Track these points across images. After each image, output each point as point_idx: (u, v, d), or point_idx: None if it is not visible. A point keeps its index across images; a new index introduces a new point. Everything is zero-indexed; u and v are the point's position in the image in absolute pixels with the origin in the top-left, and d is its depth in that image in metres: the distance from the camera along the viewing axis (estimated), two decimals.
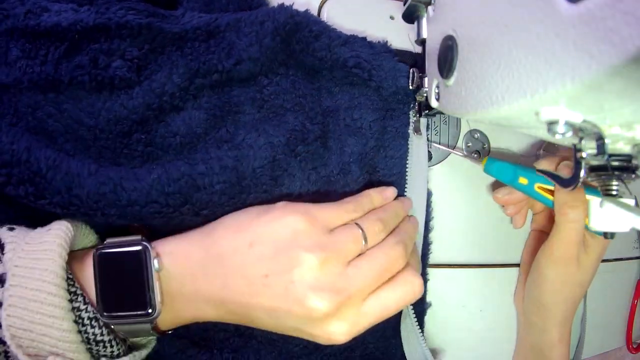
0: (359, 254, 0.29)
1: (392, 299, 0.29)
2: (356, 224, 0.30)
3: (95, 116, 0.28)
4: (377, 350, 0.37)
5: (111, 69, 0.28)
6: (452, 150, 0.40)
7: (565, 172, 0.34)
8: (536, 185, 0.35)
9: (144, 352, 0.29)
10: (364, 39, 0.35)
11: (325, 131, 0.34)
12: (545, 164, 0.36)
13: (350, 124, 0.35)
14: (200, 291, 0.28)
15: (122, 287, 0.26)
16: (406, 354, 0.38)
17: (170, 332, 0.30)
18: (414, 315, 0.37)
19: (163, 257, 0.28)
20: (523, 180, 0.36)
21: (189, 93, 0.30)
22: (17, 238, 0.26)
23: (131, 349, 0.29)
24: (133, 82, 0.29)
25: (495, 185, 0.42)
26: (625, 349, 0.52)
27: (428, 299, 0.40)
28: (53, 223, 0.27)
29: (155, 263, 0.27)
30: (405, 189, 0.37)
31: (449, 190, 0.41)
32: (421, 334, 0.37)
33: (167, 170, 0.28)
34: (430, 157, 0.40)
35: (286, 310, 0.27)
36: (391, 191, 0.35)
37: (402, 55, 0.36)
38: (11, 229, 0.27)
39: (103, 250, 0.27)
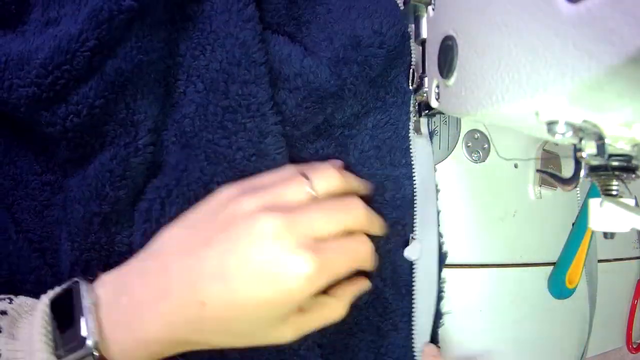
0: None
1: (338, 254, 0.28)
2: (302, 173, 0.30)
3: None
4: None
5: None
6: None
7: None
8: None
9: None
10: None
11: None
12: None
13: None
14: (141, 302, 0.26)
15: (64, 323, 0.26)
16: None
17: None
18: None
19: (98, 287, 0.27)
20: None
21: None
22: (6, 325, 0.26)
23: None
24: None
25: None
26: (625, 349, 0.52)
27: None
28: (37, 310, 0.26)
29: (85, 296, 0.26)
30: (415, 190, 0.37)
31: (448, 191, 0.41)
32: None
33: None
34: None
35: (244, 244, 0.26)
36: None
37: None
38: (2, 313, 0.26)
39: (52, 298, 0.27)
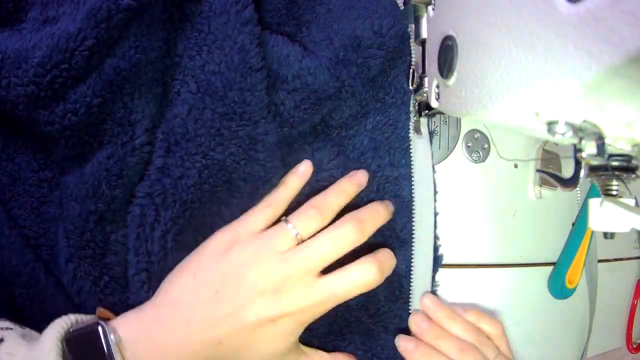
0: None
1: (341, 283, 0.31)
2: (285, 219, 0.32)
3: None
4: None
5: None
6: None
7: None
8: None
9: None
10: None
11: None
12: None
13: None
14: (164, 345, 0.29)
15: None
16: None
17: None
18: None
19: (119, 328, 0.29)
20: None
21: None
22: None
23: None
24: None
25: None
26: (625, 349, 0.52)
27: None
28: (45, 336, 0.27)
29: (112, 337, 0.28)
30: (413, 190, 0.37)
31: (448, 191, 0.41)
32: None
33: None
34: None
35: (242, 304, 0.30)
36: (305, 165, 0.35)
37: None
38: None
39: (68, 337, 0.28)
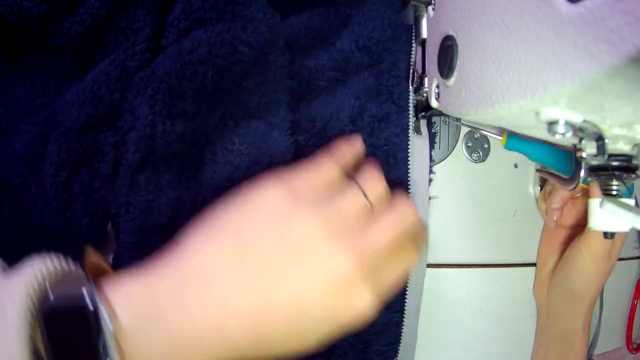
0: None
1: (398, 266, 0.27)
2: (354, 181, 0.27)
3: None
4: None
5: None
6: (494, 135, 0.41)
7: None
8: None
9: None
10: None
11: None
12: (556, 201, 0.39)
13: None
14: (179, 336, 0.21)
15: (73, 353, 0.20)
16: None
17: None
18: None
19: (119, 307, 0.21)
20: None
21: None
22: None
23: None
24: None
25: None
26: (625, 349, 0.52)
27: (427, 298, 0.40)
28: (18, 278, 0.21)
29: (109, 324, 0.20)
30: (409, 189, 0.37)
31: (449, 190, 0.41)
32: None
33: None
34: (430, 157, 0.40)
35: (310, 283, 0.23)
36: (357, 140, 0.33)
37: None
38: None
39: (45, 309, 0.20)
